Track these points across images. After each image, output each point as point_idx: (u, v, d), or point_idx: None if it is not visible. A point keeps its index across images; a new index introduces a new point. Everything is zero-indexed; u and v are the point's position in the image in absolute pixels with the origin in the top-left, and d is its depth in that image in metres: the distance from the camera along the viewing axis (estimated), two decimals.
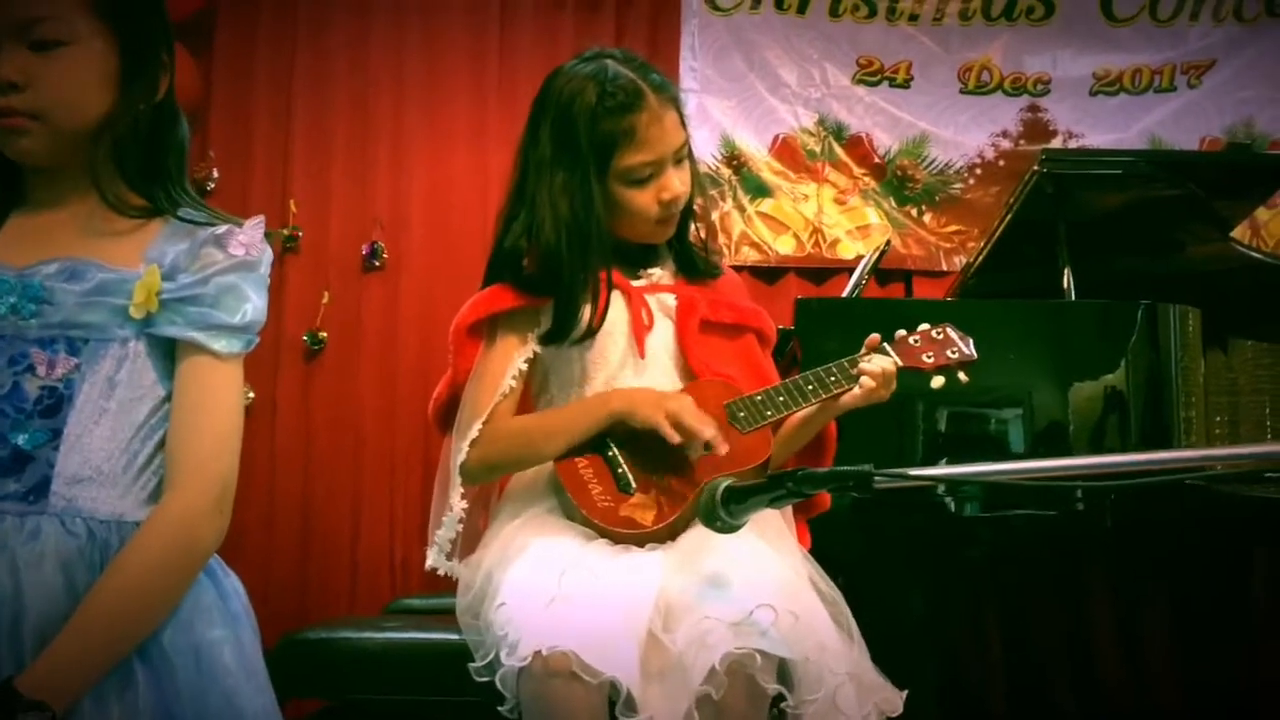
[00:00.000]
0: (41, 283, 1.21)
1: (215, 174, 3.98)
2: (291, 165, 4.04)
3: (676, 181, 1.79)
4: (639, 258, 1.86)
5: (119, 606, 1.15)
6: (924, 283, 4.22)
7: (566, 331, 1.77)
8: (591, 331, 1.77)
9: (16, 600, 1.14)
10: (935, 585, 2.59)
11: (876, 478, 1.22)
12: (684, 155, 1.82)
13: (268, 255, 1.29)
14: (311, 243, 4.02)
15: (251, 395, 3.91)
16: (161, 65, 1.30)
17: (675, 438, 1.68)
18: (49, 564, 1.15)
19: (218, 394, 1.24)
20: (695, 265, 1.89)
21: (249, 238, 1.26)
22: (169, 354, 1.24)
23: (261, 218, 1.30)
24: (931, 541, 2.47)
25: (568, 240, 1.74)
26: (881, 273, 4.10)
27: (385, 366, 3.98)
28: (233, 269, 1.24)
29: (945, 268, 4.20)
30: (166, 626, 1.18)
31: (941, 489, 2.28)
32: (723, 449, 1.68)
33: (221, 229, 1.26)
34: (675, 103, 1.81)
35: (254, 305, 1.25)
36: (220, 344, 1.23)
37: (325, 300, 3.98)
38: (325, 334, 3.98)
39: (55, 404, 1.19)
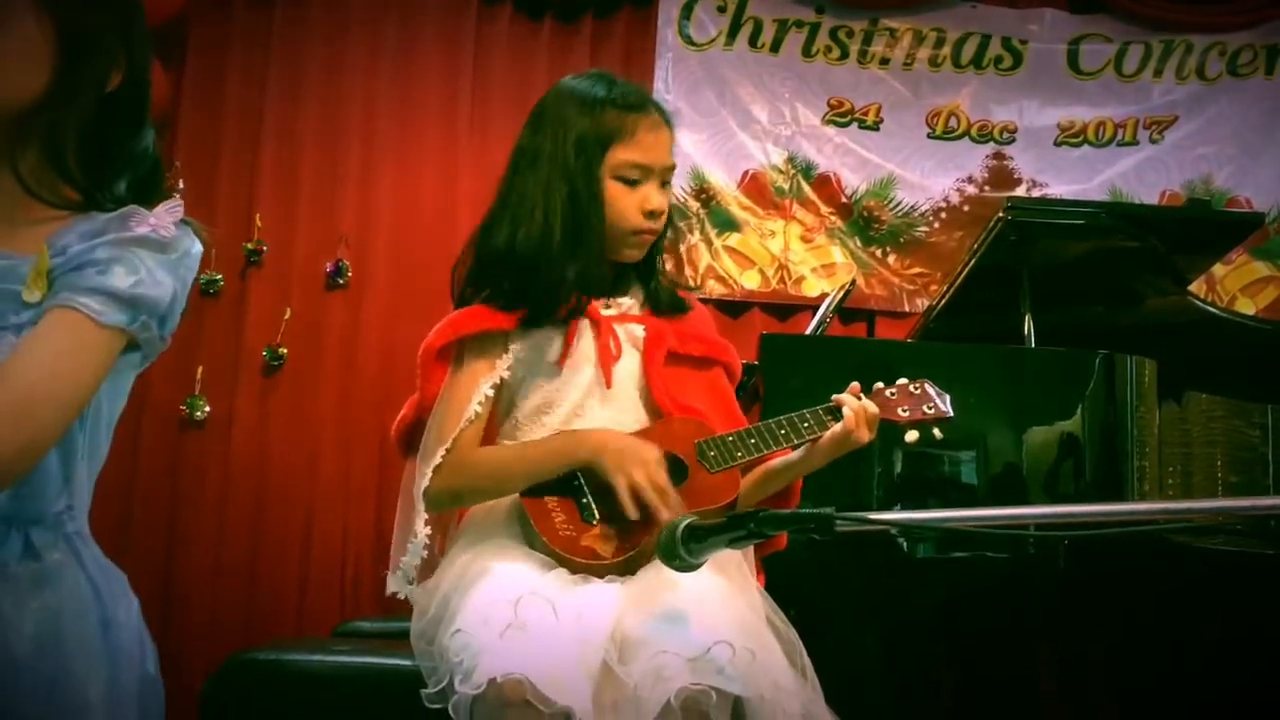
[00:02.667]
0: None
1: (180, 184, 3.94)
2: (259, 179, 4.02)
3: (658, 198, 1.81)
4: (609, 287, 1.86)
5: None
6: (886, 323, 4.26)
7: (548, 308, 1.75)
8: (556, 319, 1.77)
9: None
10: (889, 625, 2.60)
11: (838, 521, 1.22)
12: (669, 180, 1.86)
13: (186, 244, 1.20)
14: (276, 258, 3.99)
15: (207, 410, 3.88)
16: (110, 56, 1.22)
17: (632, 513, 1.66)
18: None
19: (67, 342, 1.09)
20: (663, 299, 1.89)
21: (158, 219, 1.17)
22: None
23: (179, 202, 1.21)
24: (886, 581, 2.48)
25: (563, 221, 1.75)
26: (845, 311, 4.14)
27: (344, 385, 3.95)
28: (130, 242, 1.15)
29: (908, 309, 4.25)
30: (24, 634, 1.09)
31: (896, 530, 2.29)
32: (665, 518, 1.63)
33: (127, 209, 1.17)
34: (671, 129, 1.86)
35: (148, 280, 1.14)
36: (95, 305, 1.11)
37: (287, 316, 3.95)
38: (285, 350, 3.95)
39: None
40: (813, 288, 4.23)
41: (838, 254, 4.30)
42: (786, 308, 4.25)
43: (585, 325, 1.82)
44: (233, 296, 3.95)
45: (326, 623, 3.57)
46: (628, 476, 1.67)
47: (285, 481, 3.88)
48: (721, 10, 4.31)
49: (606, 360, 1.81)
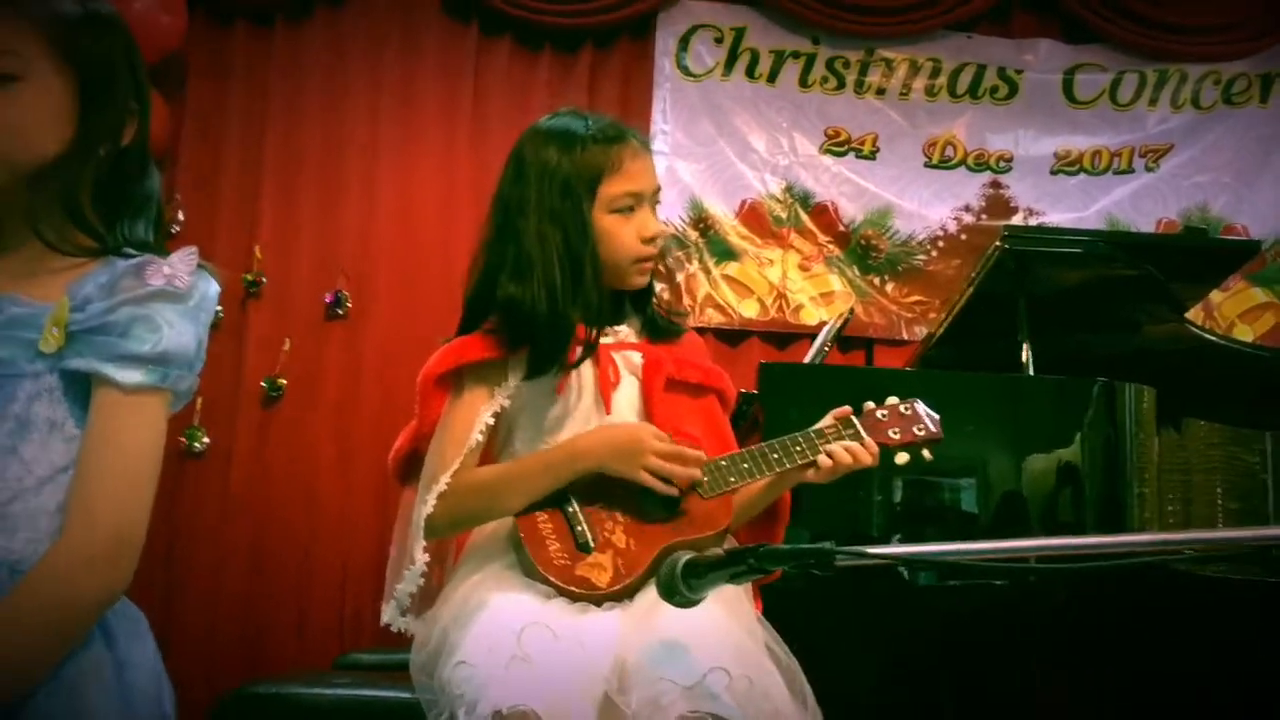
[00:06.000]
0: None
1: (181, 217, 3.96)
2: (259, 211, 4.04)
3: (654, 222, 1.83)
4: (605, 313, 1.87)
5: None
6: (885, 351, 4.26)
7: (556, 354, 1.76)
8: (560, 366, 1.77)
9: None
10: (889, 652, 2.59)
11: (837, 556, 1.22)
12: (658, 202, 1.87)
13: (203, 288, 1.23)
14: (275, 289, 4.00)
15: (206, 441, 3.88)
16: (126, 111, 1.27)
17: (668, 490, 1.70)
18: None
19: (122, 432, 1.15)
20: (659, 325, 1.90)
21: (173, 269, 1.20)
22: (87, 390, 1.16)
23: (193, 249, 1.24)
24: (885, 609, 2.47)
25: (561, 267, 1.76)
26: (844, 340, 4.14)
27: (343, 416, 3.95)
28: (148, 298, 1.17)
29: (906, 337, 4.26)
30: (41, 694, 1.09)
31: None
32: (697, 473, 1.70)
33: (142, 259, 1.20)
34: (650, 152, 1.88)
35: (170, 335, 1.17)
36: (126, 375, 1.15)
37: (286, 347, 3.96)
38: (284, 381, 3.95)
39: None
40: (811, 316, 4.24)
41: (836, 282, 4.31)
42: (785, 336, 4.26)
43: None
44: (232, 327, 3.96)
45: (326, 655, 3.55)
46: (640, 465, 1.69)
47: (284, 512, 3.88)
48: (719, 41, 4.34)
49: (605, 387, 1.81)
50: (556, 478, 1.73)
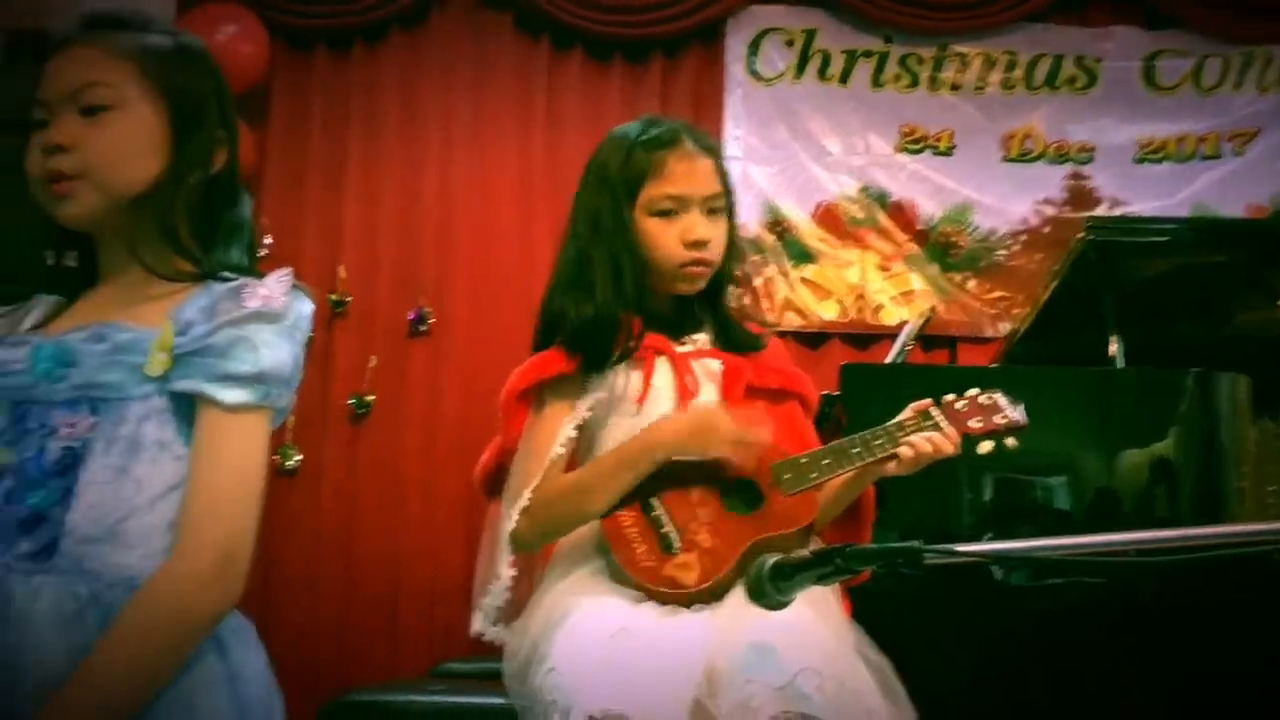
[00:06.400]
0: (70, 346, 1.21)
1: (268, 240, 4.06)
2: (341, 232, 4.13)
3: (702, 227, 1.81)
4: (680, 325, 1.87)
5: (107, 673, 1.11)
6: (968, 349, 4.22)
7: (604, 354, 1.78)
8: (611, 361, 1.79)
9: (18, 659, 1.12)
10: (982, 653, 2.56)
11: (925, 554, 1.21)
12: (718, 208, 1.84)
13: (298, 308, 1.27)
14: (359, 308, 4.09)
15: (300, 458, 3.96)
16: (216, 139, 1.32)
17: (750, 463, 1.71)
18: (47, 624, 1.13)
19: (226, 450, 1.19)
20: (735, 334, 1.90)
21: (269, 290, 1.24)
22: (192, 410, 1.21)
23: (288, 271, 1.28)
24: (977, 609, 2.44)
25: (601, 270, 1.78)
26: (926, 339, 4.11)
27: (430, 430, 4.02)
28: (246, 319, 1.22)
29: (990, 334, 4.20)
30: (160, 705, 1.12)
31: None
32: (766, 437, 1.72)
33: (238, 282, 1.25)
34: (714, 154, 1.86)
35: (268, 355, 1.21)
36: (228, 394, 1.19)
37: (372, 364, 4.04)
38: (372, 397, 4.03)
39: (71, 463, 1.18)
40: (891, 316, 4.20)
41: (916, 281, 4.28)
42: (866, 337, 4.23)
43: (662, 363, 1.83)
44: (320, 346, 4.04)
45: (420, 665, 3.61)
46: (720, 440, 1.71)
47: (375, 525, 3.95)
48: (789, 44, 4.33)
49: (685, 396, 1.81)
50: (636, 472, 1.73)
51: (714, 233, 1.82)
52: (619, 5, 4.25)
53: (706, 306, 1.91)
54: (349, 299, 4.08)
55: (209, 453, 1.20)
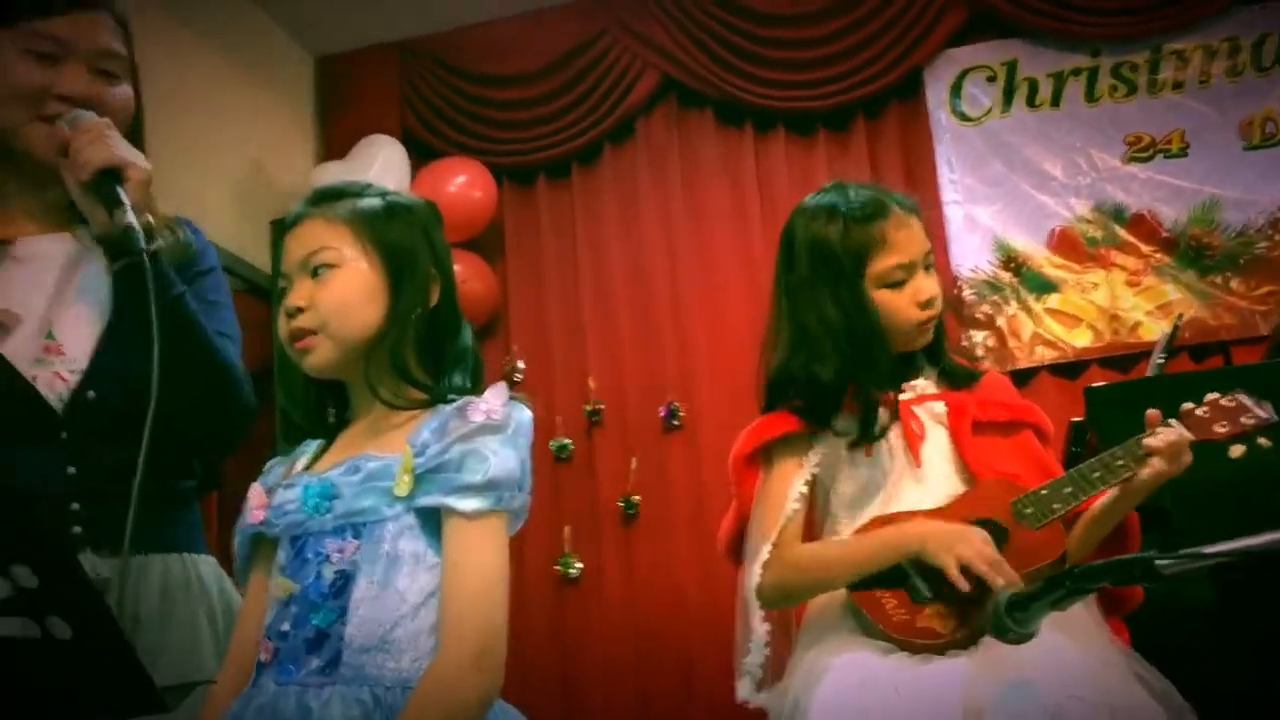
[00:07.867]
0: (332, 481, 1.38)
1: (520, 365, 4.32)
2: (585, 345, 4.34)
3: (929, 286, 1.84)
4: (899, 373, 1.89)
5: None
6: (1243, 351, 3.95)
7: (833, 414, 1.81)
8: (872, 437, 1.81)
9: None
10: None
11: (1159, 563, 1.17)
12: (931, 263, 1.88)
13: (517, 416, 1.38)
14: (613, 414, 4.26)
15: (580, 566, 4.13)
16: (428, 278, 1.47)
17: (964, 585, 1.63)
18: None
19: (471, 553, 1.31)
20: (956, 373, 1.90)
21: (489, 405, 1.36)
22: (437, 522, 1.34)
23: (503, 384, 1.41)
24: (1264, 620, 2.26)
25: (844, 343, 1.81)
26: (1195, 349, 3.92)
27: (698, 519, 4.09)
28: (474, 433, 1.34)
29: (1264, 332, 3.91)
30: None
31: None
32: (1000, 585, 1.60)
33: (462, 401, 1.38)
34: (917, 212, 1.89)
35: (496, 463, 1.33)
36: (466, 504, 1.31)
37: (634, 465, 4.18)
38: (638, 497, 4.16)
39: (344, 584, 1.32)
40: (1151, 331, 3.99)
41: (1172, 291, 4.06)
42: (1126, 359, 4.03)
43: (885, 412, 1.84)
44: (583, 456, 4.23)
45: None
46: (955, 555, 1.65)
47: (660, 622, 4.04)
48: (991, 80, 4.27)
49: (913, 441, 1.82)
50: (878, 563, 1.72)
51: (937, 287, 1.86)
52: (818, 79, 4.32)
53: (924, 352, 1.92)
54: (602, 406, 4.26)
55: (457, 558, 1.32)
